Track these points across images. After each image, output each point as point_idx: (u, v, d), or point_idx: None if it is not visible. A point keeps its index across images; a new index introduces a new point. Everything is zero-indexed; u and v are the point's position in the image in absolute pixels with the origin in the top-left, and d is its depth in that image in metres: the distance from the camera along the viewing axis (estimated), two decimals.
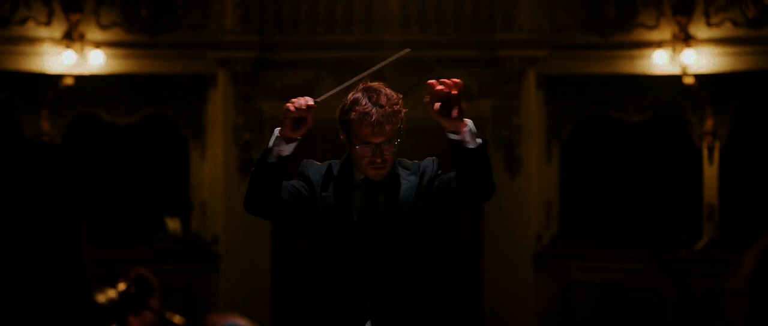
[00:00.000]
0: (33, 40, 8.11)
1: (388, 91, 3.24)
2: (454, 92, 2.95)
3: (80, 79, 8.13)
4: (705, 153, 8.34)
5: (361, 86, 3.25)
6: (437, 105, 2.97)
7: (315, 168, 3.33)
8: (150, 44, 8.38)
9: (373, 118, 3.15)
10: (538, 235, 8.65)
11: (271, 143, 3.11)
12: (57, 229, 1.71)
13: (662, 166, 8.49)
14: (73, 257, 1.74)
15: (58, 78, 8.14)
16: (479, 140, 3.01)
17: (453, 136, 3.01)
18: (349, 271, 3.24)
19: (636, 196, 8.51)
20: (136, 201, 8.38)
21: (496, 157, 8.58)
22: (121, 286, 1.99)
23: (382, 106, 3.17)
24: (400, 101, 3.25)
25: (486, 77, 8.51)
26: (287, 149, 3.11)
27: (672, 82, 8.23)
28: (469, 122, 3.01)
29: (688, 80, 8.20)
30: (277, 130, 3.12)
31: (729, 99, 8.25)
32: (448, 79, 2.98)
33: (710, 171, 8.34)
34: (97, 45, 8.21)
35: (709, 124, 8.29)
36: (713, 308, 8.07)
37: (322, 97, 3.15)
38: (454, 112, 2.96)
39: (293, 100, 3.07)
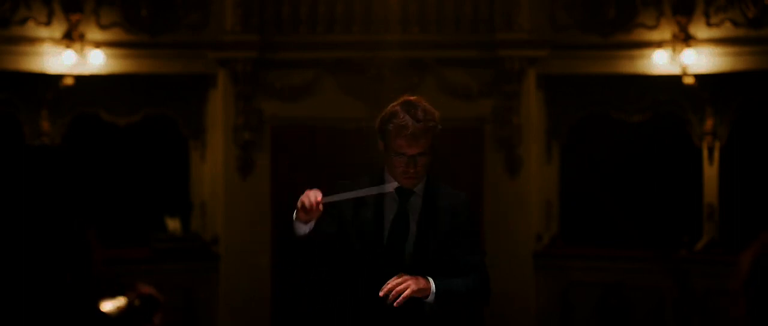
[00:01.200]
0: (33, 40, 8.11)
1: (427, 105, 3.40)
2: (405, 294, 3.24)
3: (80, 79, 8.13)
4: (705, 153, 8.34)
5: (401, 99, 3.41)
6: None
7: (341, 189, 3.46)
8: (150, 44, 8.38)
9: (409, 130, 3.31)
10: (538, 235, 8.65)
11: (295, 228, 3.35)
12: (58, 230, 1.71)
13: (662, 166, 8.49)
14: (74, 257, 1.74)
15: (58, 78, 8.14)
16: (432, 296, 3.31)
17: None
18: (376, 278, 3.35)
19: (636, 196, 8.50)
20: (136, 201, 8.37)
21: (496, 157, 8.58)
22: (128, 298, 1.99)
23: (419, 121, 3.33)
24: (437, 117, 3.39)
25: (486, 77, 8.51)
26: (304, 228, 3.31)
27: (672, 82, 8.23)
28: (432, 287, 3.32)
29: (688, 80, 8.20)
30: (294, 213, 3.33)
31: (729, 99, 8.25)
32: (398, 280, 3.25)
33: (710, 172, 8.34)
34: (97, 45, 8.21)
35: (709, 124, 8.29)
36: (714, 308, 8.07)
37: (329, 199, 3.32)
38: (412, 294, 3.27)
39: (307, 194, 3.27)
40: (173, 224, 8.49)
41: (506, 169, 8.59)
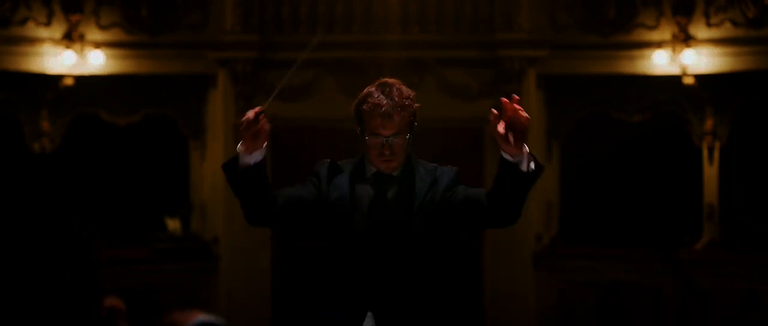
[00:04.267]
0: (33, 40, 8.11)
1: (402, 86, 3.28)
2: (525, 123, 2.94)
3: (80, 79, 8.13)
4: (705, 153, 8.34)
5: (377, 81, 3.28)
6: (503, 127, 2.96)
7: (328, 166, 3.37)
8: (150, 44, 8.38)
9: (383, 109, 3.21)
10: (538, 235, 8.64)
11: (240, 159, 3.09)
12: (58, 231, 1.71)
13: (662, 166, 8.49)
14: (74, 257, 1.74)
15: (58, 78, 8.14)
16: (532, 165, 3.01)
17: (508, 157, 3.02)
18: (354, 263, 3.28)
19: (636, 196, 8.50)
20: (136, 201, 8.37)
21: (496, 157, 8.57)
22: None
23: (393, 99, 3.22)
24: (413, 97, 3.28)
25: (486, 77, 8.51)
26: (253, 158, 3.08)
27: (672, 82, 8.23)
28: (526, 147, 3.00)
29: (688, 80, 8.20)
30: (239, 146, 3.08)
31: (729, 99, 8.25)
32: (510, 102, 2.95)
33: (710, 172, 8.34)
34: (97, 45, 8.21)
35: (709, 124, 8.29)
36: (714, 307, 8.07)
37: (267, 102, 3.13)
38: (518, 139, 2.97)
39: (244, 117, 3.02)
40: (173, 224, 8.49)
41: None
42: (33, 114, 8.18)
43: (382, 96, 3.23)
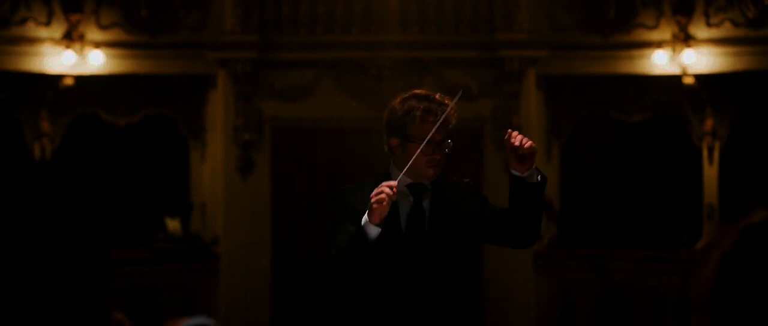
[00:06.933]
0: (33, 40, 8.11)
1: (437, 94, 3.44)
2: (530, 151, 3.26)
3: (80, 79, 8.13)
4: (705, 153, 8.34)
5: (408, 93, 3.42)
6: (514, 151, 3.27)
7: (353, 193, 3.41)
8: (150, 44, 8.38)
9: (437, 116, 3.33)
10: None
11: (368, 234, 3.20)
12: (58, 232, 1.69)
13: (662, 166, 8.49)
14: (87, 274, 1.71)
15: (58, 78, 8.13)
16: (539, 177, 3.33)
17: (517, 173, 3.31)
18: (398, 278, 3.39)
19: (636, 196, 8.50)
20: (136, 201, 8.37)
21: (496, 157, 8.59)
22: None
23: (442, 105, 3.36)
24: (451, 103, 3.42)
25: (486, 77, 8.51)
26: (376, 231, 3.20)
27: (672, 82, 8.23)
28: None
29: (688, 80, 8.20)
30: (365, 220, 3.19)
31: (729, 99, 8.25)
32: (512, 138, 3.27)
33: (710, 172, 8.34)
34: (97, 45, 8.21)
35: (709, 124, 8.29)
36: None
37: (404, 171, 3.29)
38: (529, 163, 3.29)
39: (380, 192, 3.16)
40: (173, 224, 8.49)
41: (506, 169, 8.57)
42: (33, 114, 8.18)
43: (431, 104, 3.35)
